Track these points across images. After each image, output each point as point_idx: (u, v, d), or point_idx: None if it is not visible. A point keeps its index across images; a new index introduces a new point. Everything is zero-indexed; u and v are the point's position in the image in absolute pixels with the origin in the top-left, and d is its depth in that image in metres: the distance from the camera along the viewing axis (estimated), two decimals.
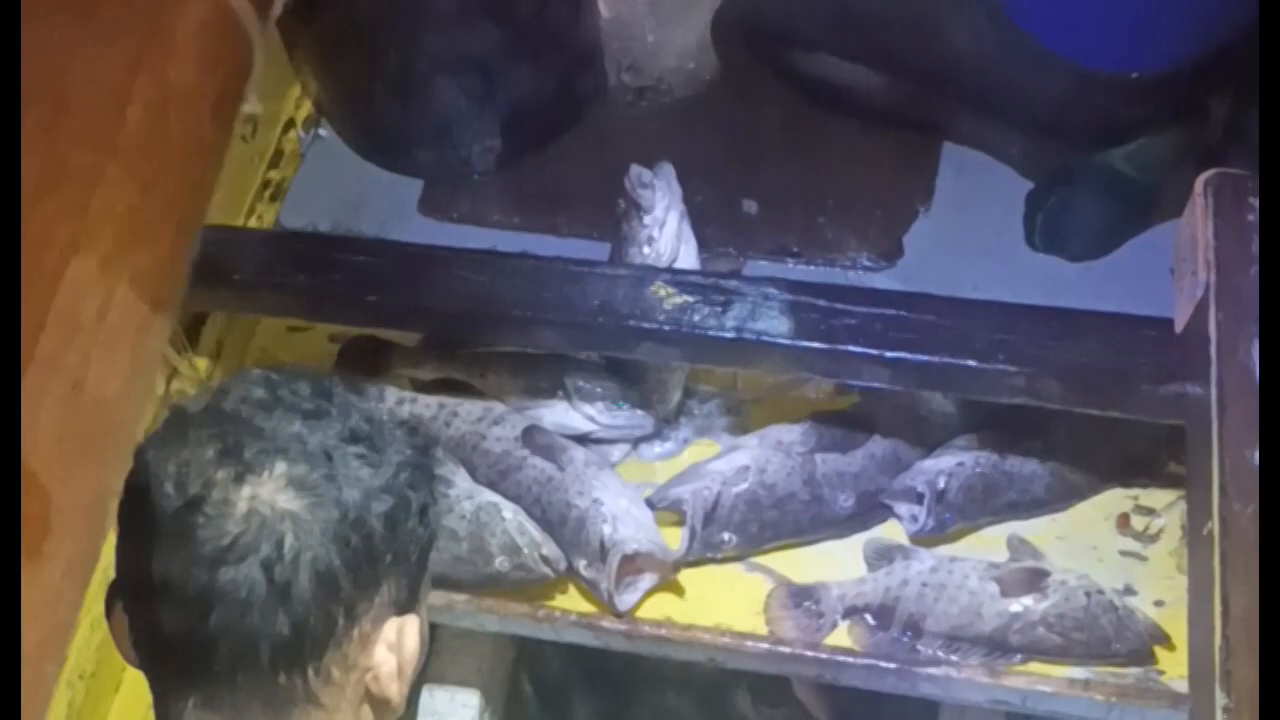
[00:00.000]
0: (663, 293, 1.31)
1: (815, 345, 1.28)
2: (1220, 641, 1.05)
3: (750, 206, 1.57)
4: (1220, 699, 1.03)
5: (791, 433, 1.43)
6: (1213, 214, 1.23)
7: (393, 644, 0.90)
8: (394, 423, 0.95)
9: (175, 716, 0.87)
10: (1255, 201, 1.23)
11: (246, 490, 0.85)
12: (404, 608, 0.92)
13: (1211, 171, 1.26)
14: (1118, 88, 1.38)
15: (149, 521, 0.85)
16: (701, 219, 1.47)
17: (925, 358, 1.26)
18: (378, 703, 0.92)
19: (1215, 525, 1.10)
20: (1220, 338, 1.17)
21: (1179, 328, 1.25)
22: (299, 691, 0.87)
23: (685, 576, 1.40)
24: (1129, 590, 1.37)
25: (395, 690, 0.91)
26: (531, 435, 1.44)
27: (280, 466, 0.86)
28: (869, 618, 1.36)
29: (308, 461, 0.87)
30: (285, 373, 0.93)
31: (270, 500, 0.85)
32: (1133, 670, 1.33)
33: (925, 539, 1.40)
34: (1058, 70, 1.38)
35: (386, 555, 0.89)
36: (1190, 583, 1.15)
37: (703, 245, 1.46)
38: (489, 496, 1.39)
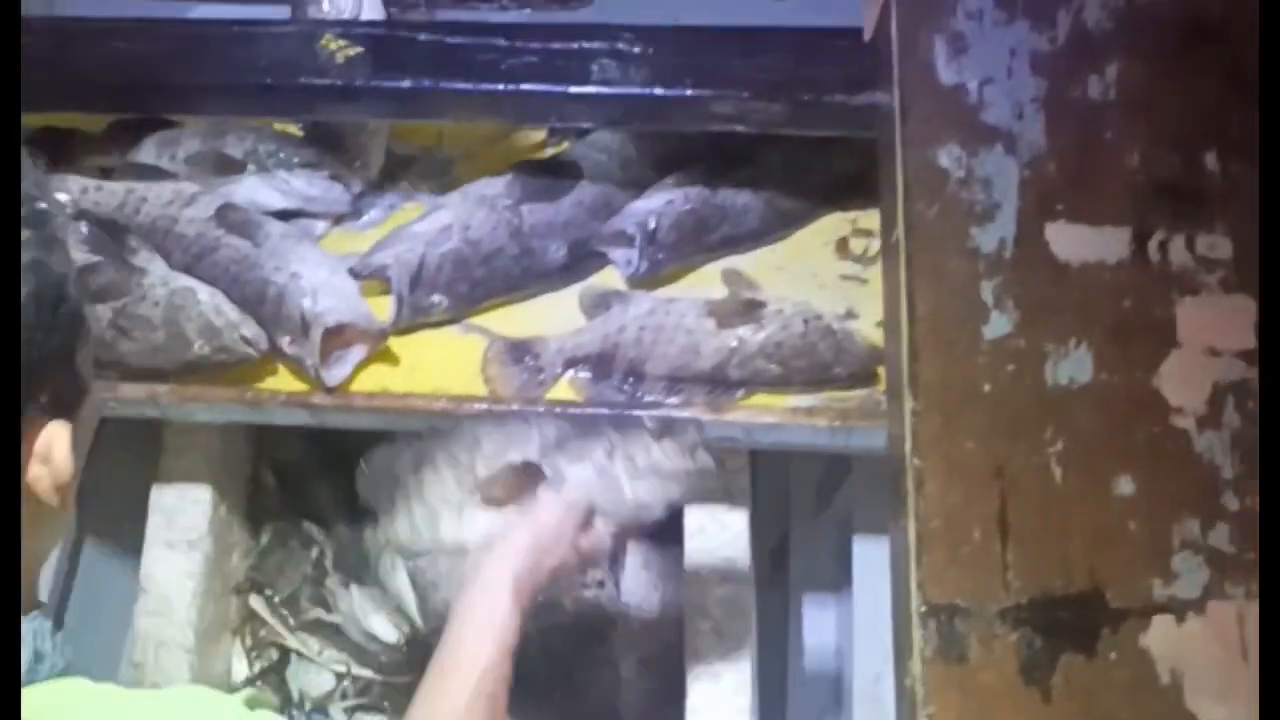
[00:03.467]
0: (333, 45, 1.23)
1: (498, 87, 1.22)
2: (907, 344, 1.03)
3: None
4: (909, 403, 1.01)
5: (495, 186, 1.37)
6: None
7: (43, 455, 0.83)
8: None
9: None
10: None
11: None
12: (57, 411, 0.86)
13: None
14: None
15: None
16: None
17: (612, 90, 1.21)
18: (40, 510, 0.86)
19: (900, 230, 1.07)
20: (902, 38, 1.13)
21: (867, 35, 1.20)
22: None
23: (399, 343, 1.34)
24: (850, 314, 1.34)
25: (55, 500, 0.85)
26: (225, 213, 1.36)
27: None
28: (589, 367, 1.33)
29: None
30: None
31: None
32: (856, 393, 1.31)
33: (642, 282, 1.35)
34: None
35: (34, 363, 0.81)
36: (884, 291, 1.12)
37: None
38: (183, 281, 1.32)
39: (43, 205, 0.81)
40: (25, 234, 0.82)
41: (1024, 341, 1.02)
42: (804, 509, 1.67)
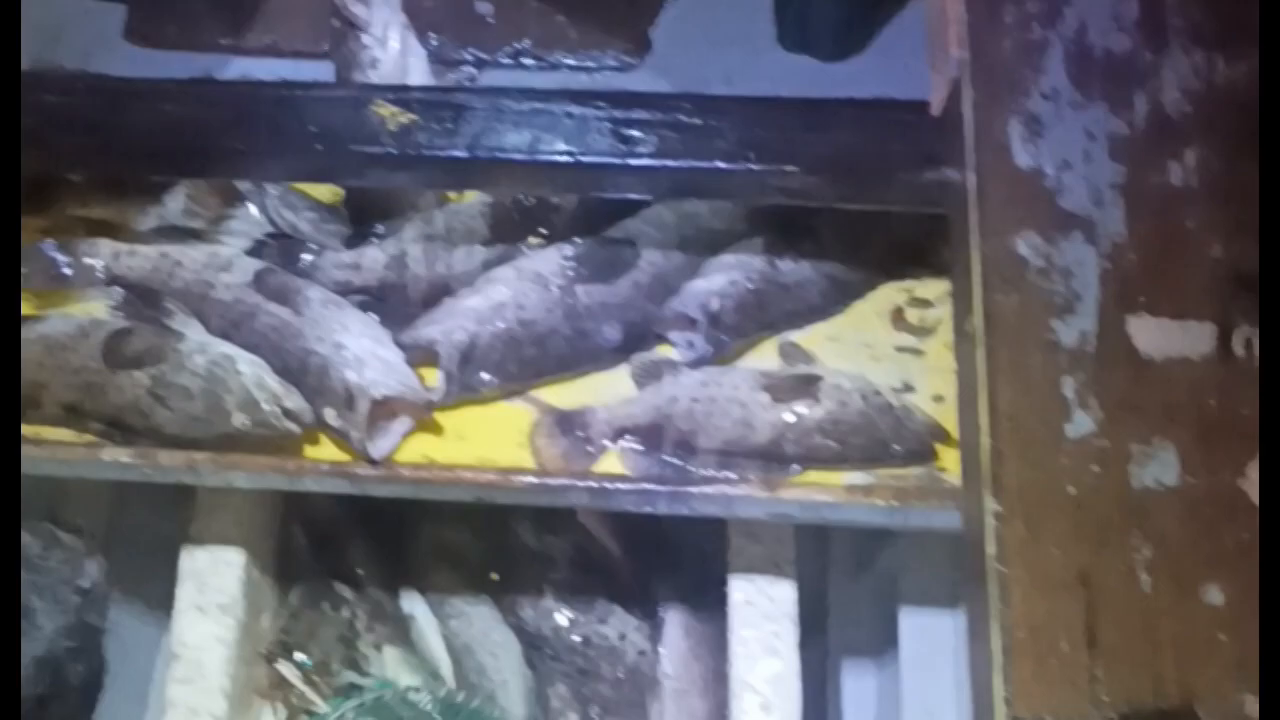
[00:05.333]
0: (385, 112, 1.20)
1: (556, 159, 1.18)
2: (989, 444, 1.00)
3: (484, 7, 1.45)
4: (990, 505, 0.98)
5: (550, 263, 1.33)
6: None
7: None
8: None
9: None
10: None
11: None
12: None
13: None
14: None
15: None
16: (431, 26, 1.36)
17: (673, 163, 1.18)
18: None
19: (977, 319, 1.04)
20: (976, 117, 1.10)
21: (936, 110, 1.17)
22: None
23: (445, 413, 1.31)
24: (907, 387, 1.31)
25: None
26: (264, 279, 1.32)
27: None
28: (639, 439, 1.29)
29: None
30: None
31: None
32: (914, 470, 1.27)
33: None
34: None
35: None
36: (959, 381, 1.09)
37: (435, 56, 1.35)
38: (223, 348, 1.28)
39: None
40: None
41: (1108, 441, 0.99)
42: (843, 568, 1.65)
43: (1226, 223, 1.06)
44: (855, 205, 1.22)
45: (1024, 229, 1.06)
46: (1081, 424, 1.00)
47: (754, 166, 1.17)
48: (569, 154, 1.19)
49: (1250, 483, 0.98)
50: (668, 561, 1.56)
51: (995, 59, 1.12)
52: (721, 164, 1.17)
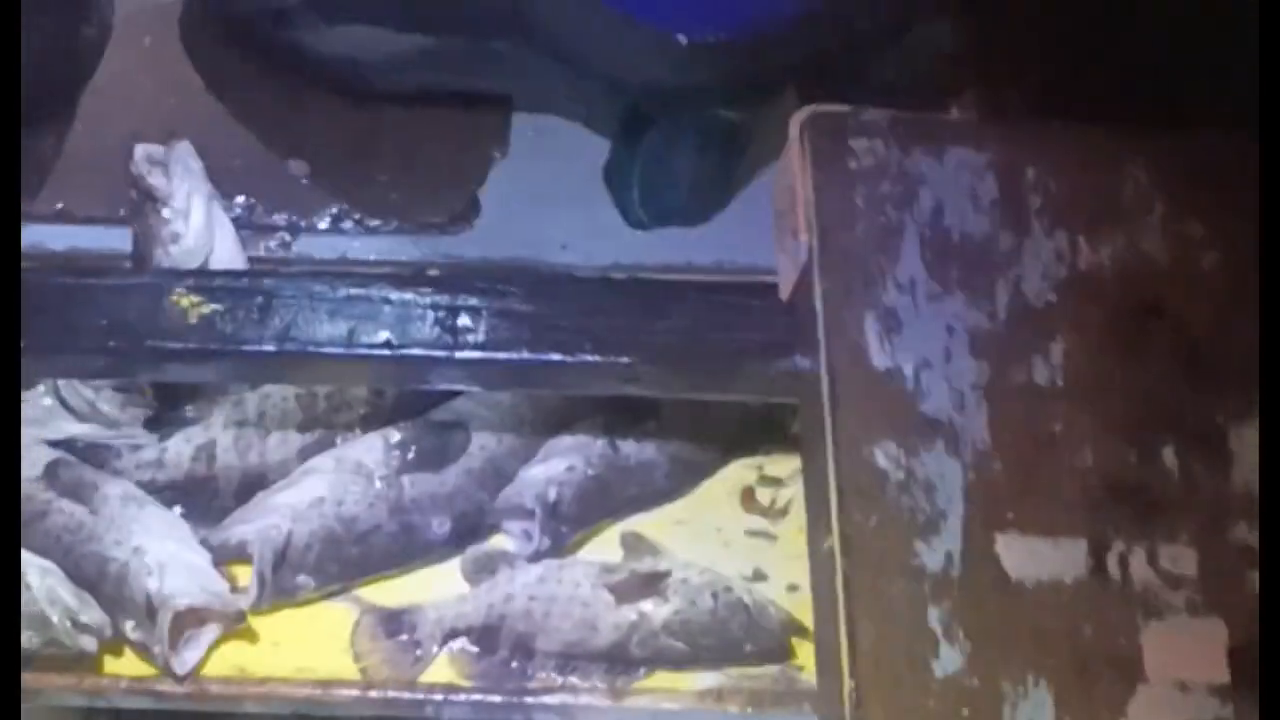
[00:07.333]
0: (185, 302, 1.08)
1: (375, 352, 1.08)
2: (850, 688, 0.91)
3: (299, 168, 1.34)
4: None
5: (373, 451, 1.23)
6: (811, 163, 1.07)
7: None
8: None
9: None
10: (859, 144, 1.08)
11: None
12: None
13: (808, 110, 1.10)
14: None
15: None
16: (241, 187, 1.26)
17: (504, 355, 1.08)
18: None
19: (835, 542, 0.96)
20: (827, 313, 1.02)
21: (784, 295, 1.09)
22: None
23: (258, 617, 1.19)
24: (759, 575, 1.23)
25: None
26: (55, 471, 1.20)
27: None
28: (472, 641, 1.19)
29: None
30: None
31: None
32: (768, 669, 1.19)
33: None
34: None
35: None
36: (814, 607, 1.00)
37: (244, 222, 1.25)
38: None
39: None
40: None
41: (977, 680, 0.91)
42: None
43: (1094, 425, 0.99)
44: (701, 396, 1.14)
45: (882, 438, 0.98)
46: (949, 661, 0.91)
47: (592, 358, 1.08)
48: (389, 346, 1.08)
49: None
50: None
51: (847, 246, 1.04)
52: (557, 356, 1.08)
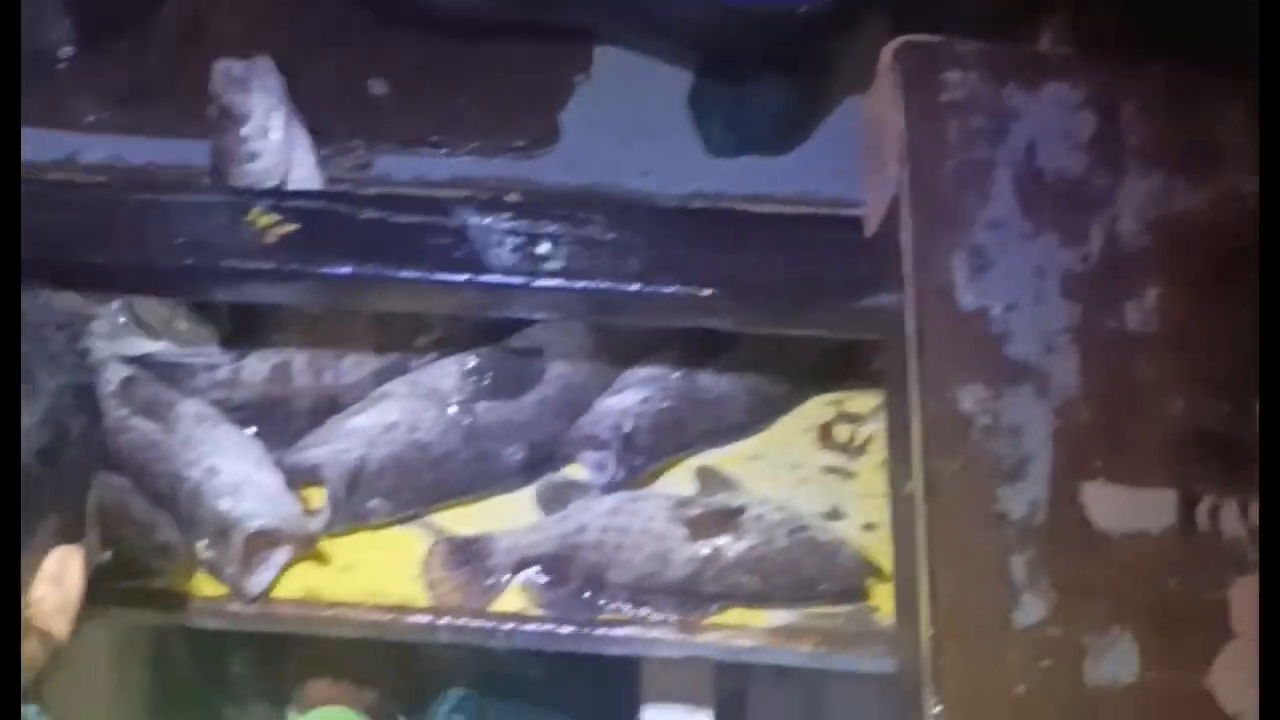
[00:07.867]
0: (263, 222, 1.07)
1: (453, 278, 1.07)
2: (929, 636, 0.89)
3: (378, 87, 1.32)
4: (931, 706, 0.88)
5: (448, 377, 1.21)
6: (903, 94, 1.04)
7: (55, 576, 0.81)
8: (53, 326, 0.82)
9: None
10: (951, 76, 1.05)
11: None
12: (68, 537, 0.82)
13: (900, 40, 1.07)
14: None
15: None
16: (319, 105, 1.24)
17: (583, 284, 1.07)
18: (42, 634, 0.82)
19: (919, 485, 0.93)
20: (915, 249, 1.00)
21: (870, 230, 1.07)
22: None
23: (330, 541, 1.19)
24: (835, 514, 1.21)
25: (59, 625, 0.82)
26: (129, 389, 1.20)
27: None
28: (543, 572, 1.18)
29: None
30: None
31: None
32: (843, 609, 1.17)
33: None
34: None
35: (45, 488, 0.78)
36: (895, 554, 0.99)
37: (322, 139, 1.23)
38: None
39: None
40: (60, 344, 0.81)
41: (1060, 631, 0.89)
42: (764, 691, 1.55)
43: (1187, 374, 0.96)
44: (782, 331, 1.11)
45: (968, 381, 0.95)
46: (1031, 611, 0.89)
47: (672, 289, 1.06)
48: (468, 271, 1.07)
49: (1216, 678, 0.88)
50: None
51: (938, 181, 1.02)
52: (636, 286, 1.06)
